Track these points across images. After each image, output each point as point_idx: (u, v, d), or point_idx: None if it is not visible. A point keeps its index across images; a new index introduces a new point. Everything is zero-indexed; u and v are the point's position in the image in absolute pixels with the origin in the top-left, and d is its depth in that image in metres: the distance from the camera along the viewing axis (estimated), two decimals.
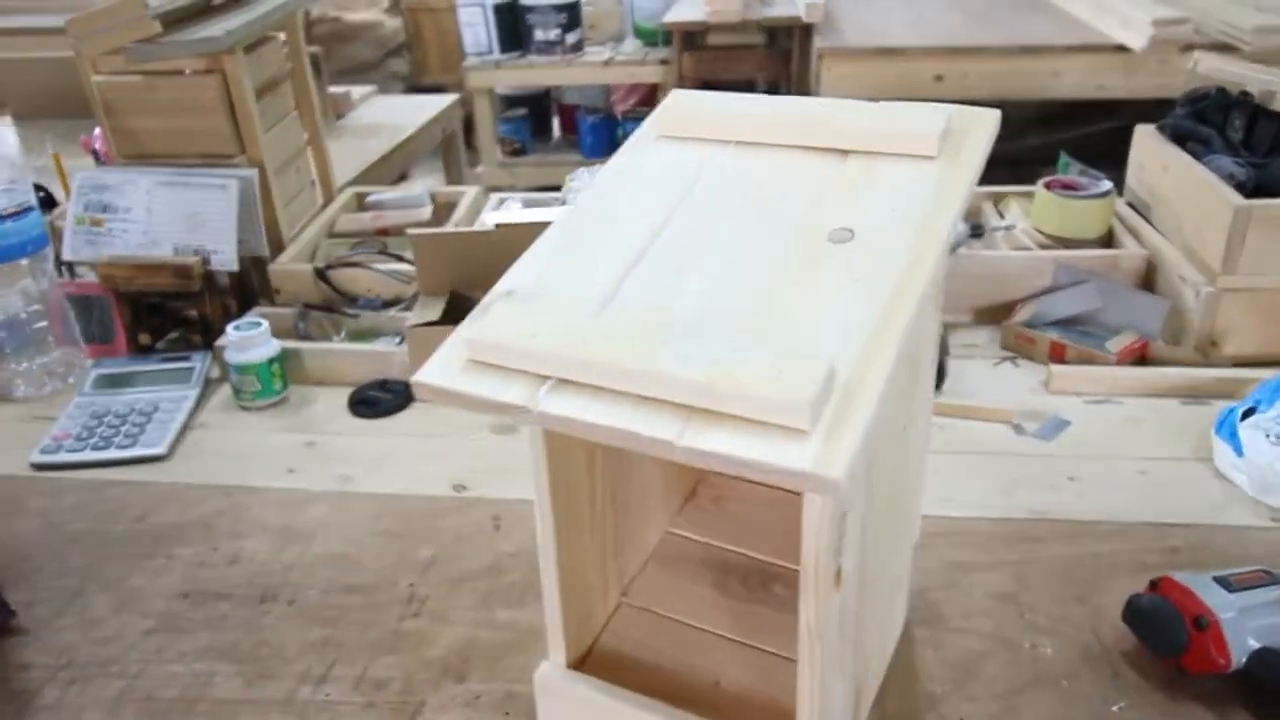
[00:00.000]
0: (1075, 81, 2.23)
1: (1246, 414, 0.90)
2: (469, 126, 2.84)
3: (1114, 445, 0.93)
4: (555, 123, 3.12)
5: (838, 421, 0.42)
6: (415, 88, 3.74)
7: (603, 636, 0.65)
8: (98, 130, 1.24)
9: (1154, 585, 0.70)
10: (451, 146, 2.32)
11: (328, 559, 0.83)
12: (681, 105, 0.63)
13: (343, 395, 1.06)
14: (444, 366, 0.49)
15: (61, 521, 0.89)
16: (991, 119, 0.58)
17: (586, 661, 0.63)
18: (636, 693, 0.59)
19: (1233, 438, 0.89)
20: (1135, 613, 0.69)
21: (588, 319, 0.48)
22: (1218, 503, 0.85)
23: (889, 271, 0.49)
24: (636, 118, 2.81)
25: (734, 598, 0.67)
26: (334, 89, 2.05)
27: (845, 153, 0.58)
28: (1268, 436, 0.87)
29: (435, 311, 1.04)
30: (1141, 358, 1.05)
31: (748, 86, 2.69)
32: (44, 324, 1.10)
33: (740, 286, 0.50)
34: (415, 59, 4.52)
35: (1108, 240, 1.19)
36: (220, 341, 1.07)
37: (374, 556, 0.83)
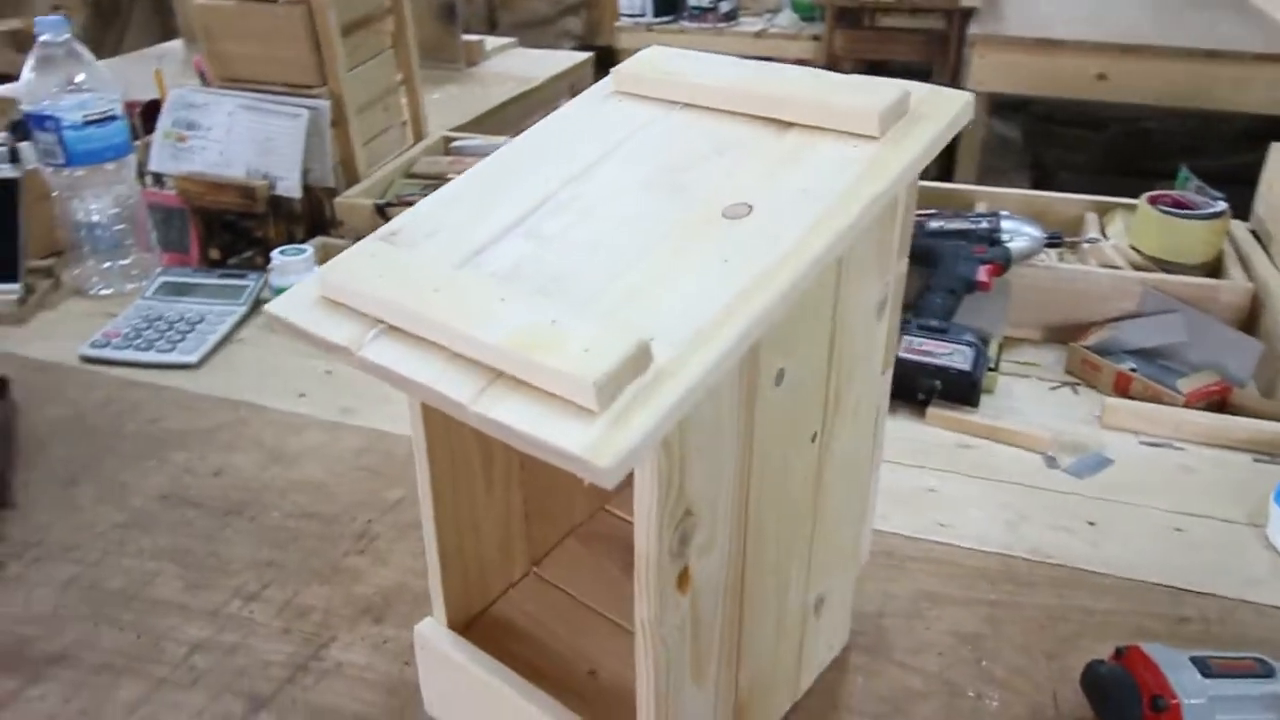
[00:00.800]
0: (1263, 95, 2.00)
1: None
2: None
3: (1154, 494, 0.83)
4: None
5: (635, 406, 0.38)
6: (585, 46, 3.78)
7: (499, 603, 0.63)
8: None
9: (1119, 653, 0.61)
10: None
11: (303, 484, 0.85)
12: (645, 61, 0.59)
13: None
14: (298, 299, 0.48)
15: (86, 413, 0.95)
16: (960, 101, 0.52)
17: (474, 625, 0.62)
18: (508, 667, 0.57)
19: None
20: (1091, 679, 0.61)
21: (443, 270, 0.46)
22: (1257, 576, 0.74)
23: (764, 255, 0.44)
24: None
25: None
26: (468, 37, 2.08)
27: (789, 125, 0.52)
28: None
29: None
30: (1220, 404, 0.93)
31: (901, 70, 2.56)
32: (124, 228, 1.16)
33: (612, 254, 0.46)
34: (590, 19, 4.55)
35: (1214, 269, 1.06)
36: (270, 265, 1.11)
37: (346, 489, 0.84)
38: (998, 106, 2.89)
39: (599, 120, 0.56)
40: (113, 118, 1.10)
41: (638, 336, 0.39)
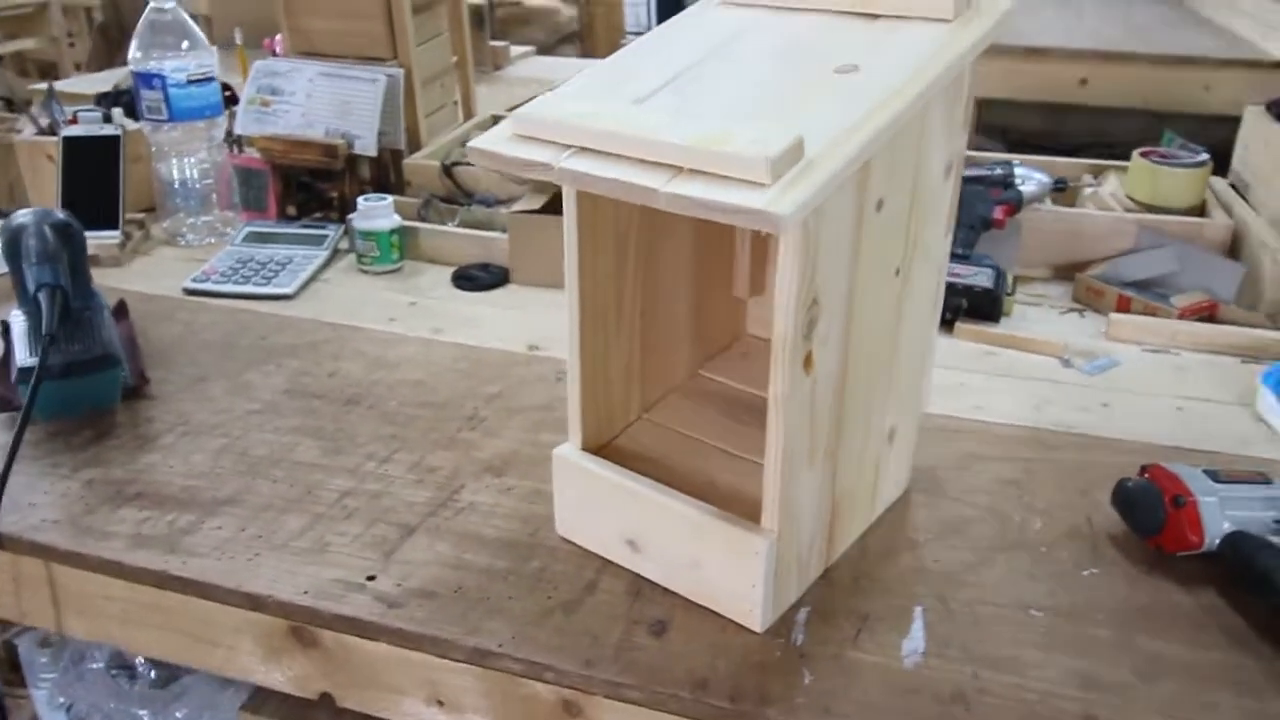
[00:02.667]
0: (1228, 97, 2.18)
1: None
2: None
3: (1158, 385, 0.95)
4: None
5: (796, 181, 0.50)
6: None
7: (620, 438, 0.74)
8: (279, 36, 1.42)
9: (1143, 470, 0.73)
10: None
11: (409, 383, 0.95)
12: None
13: (448, 272, 1.19)
14: (495, 137, 0.59)
15: (198, 331, 1.05)
16: (1008, 2, 0.65)
17: (602, 452, 0.72)
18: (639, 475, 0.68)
19: (1278, 386, 0.90)
20: (1121, 493, 0.73)
21: (618, 108, 0.58)
22: (1248, 438, 0.87)
23: (876, 93, 0.56)
24: None
25: (740, 424, 0.75)
26: (495, 42, 2.21)
27: (875, 16, 0.65)
28: None
29: (538, 203, 1.16)
30: (1209, 317, 1.06)
31: None
32: (210, 183, 1.27)
33: (751, 100, 0.58)
34: (585, 48, 4.73)
35: (1198, 213, 1.20)
36: (351, 214, 1.21)
37: (448, 386, 0.95)
38: (984, 127, 3.07)
39: (713, 22, 0.69)
40: (210, 79, 1.21)
41: (795, 133, 0.51)
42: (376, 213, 1.17)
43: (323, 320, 1.07)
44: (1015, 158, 1.27)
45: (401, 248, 1.20)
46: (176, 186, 1.26)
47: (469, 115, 1.55)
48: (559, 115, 0.57)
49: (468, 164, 1.32)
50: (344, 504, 0.77)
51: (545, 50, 4.43)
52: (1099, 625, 0.65)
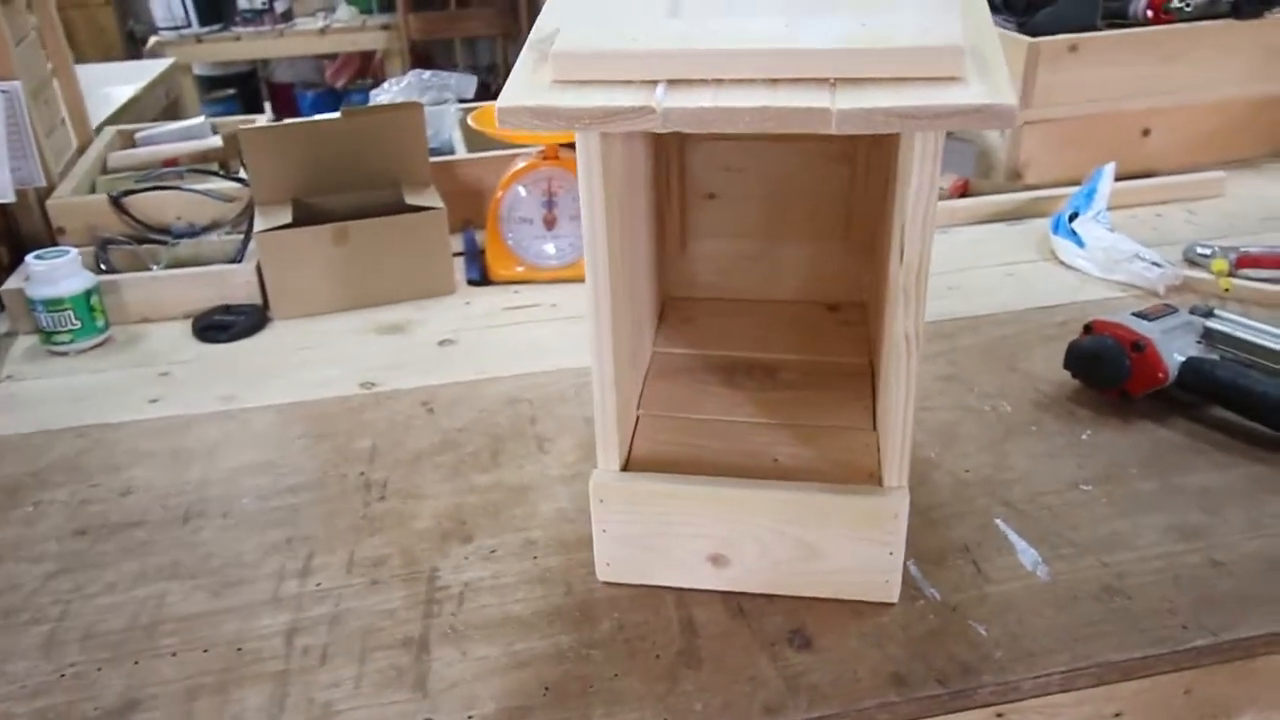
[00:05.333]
0: None
1: (1072, 218, 1.02)
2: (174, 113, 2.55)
3: (973, 259, 1.02)
4: (268, 106, 2.90)
5: (983, 72, 0.42)
6: None
7: (636, 445, 0.61)
8: None
9: (1087, 329, 0.77)
10: (177, 116, 2.08)
11: (249, 469, 0.72)
12: None
13: (180, 327, 0.92)
14: (524, 91, 0.44)
15: None
16: None
17: (629, 468, 0.59)
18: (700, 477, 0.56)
19: (1071, 235, 1.00)
20: (1079, 354, 0.76)
21: (665, 24, 0.45)
22: (1075, 286, 0.96)
23: None
24: (359, 90, 2.68)
25: (748, 390, 0.66)
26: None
27: None
28: (1102, 226, 0.98)
29: (283, 218, 0.93)
30: (964, 193, 1.16)
31: (477, 42, 2.65)
32: None
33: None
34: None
35: None
36: (11, 282, 0.89)
37: (305, 457, 0.73)
38: None
39: None
40: None
41: (952, 14, 0.43)
42: (60, 272, 0.87)
43: (53, 428, 0.78)
44: None
45: (104, 310, 0.90)
46: None
47: (84, 135, 1.21)
48: (620, 44, 0.43)
49: (152, 188, 1.03)
50: (302, 646, 0.56)
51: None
52: (1140, 480, 0.67)
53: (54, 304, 0.87)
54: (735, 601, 0.58)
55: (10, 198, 0.95)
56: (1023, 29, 1.18)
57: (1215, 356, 0.75)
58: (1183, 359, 0.73)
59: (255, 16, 2.50)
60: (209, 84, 2.77)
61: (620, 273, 0.53)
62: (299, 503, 0.68)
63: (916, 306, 0.50)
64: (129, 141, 1.21)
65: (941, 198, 1.09)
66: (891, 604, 0.57)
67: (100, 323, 0.90)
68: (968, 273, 0.99)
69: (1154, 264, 0.94)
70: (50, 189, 1.04)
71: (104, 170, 1.13)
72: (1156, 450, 0.70)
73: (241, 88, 2.76)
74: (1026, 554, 0.61)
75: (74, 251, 0.88)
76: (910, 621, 0.56)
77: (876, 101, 0.41)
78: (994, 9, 1.20)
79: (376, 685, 0.53)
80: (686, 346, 0.71)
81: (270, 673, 0.54)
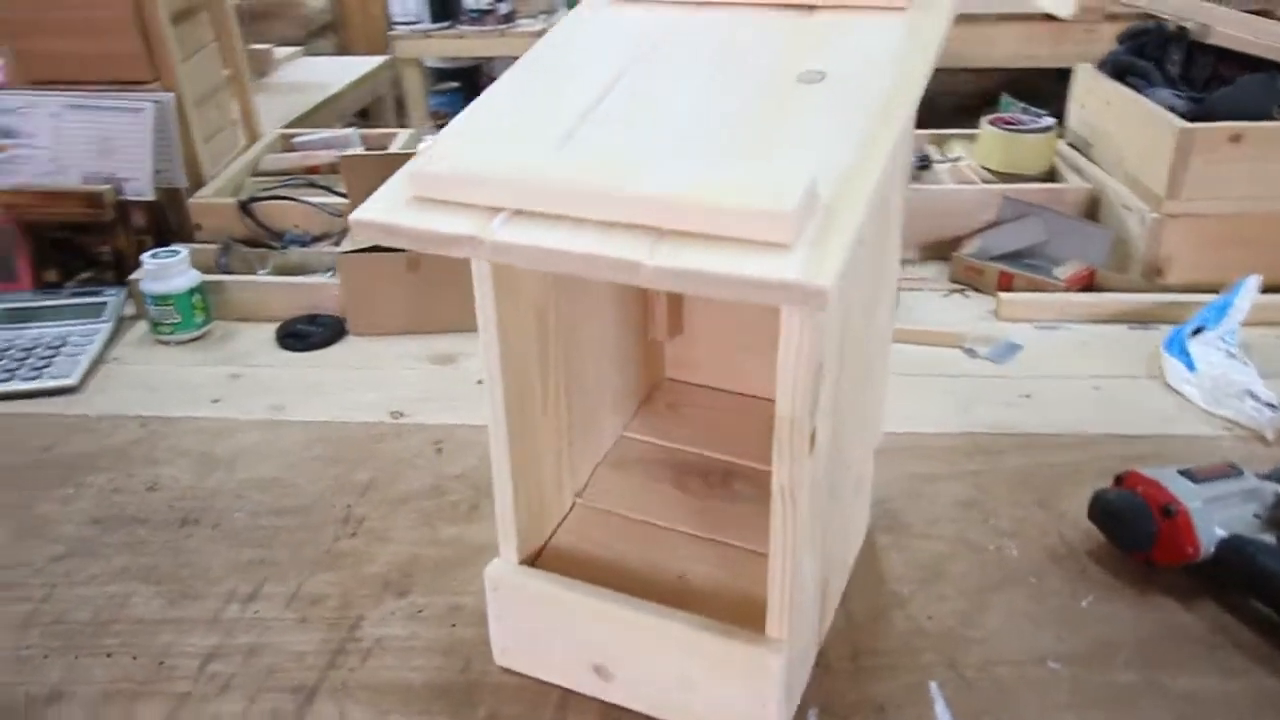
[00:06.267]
0: (1009, 50, 2.26)
1: (1195, 333, 0.90)
2: (400, 101, 2.76)
3: (1066, 365, 0.92)
4: None
5: (821, 239, 0.39)
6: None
7: (558, 535, 0.61)
8: None
9: (1119, 480, 0.68)
10: (380, 111, 2.25)
11: (257, 483, 0.78)
12: None
13: (270, 330, 1.00)
14: (387, 203, 0.45)
15: None
16: None
17: (539, 560, 0.59)
18: (598, 587, 0.55)
19: (1183, 354, 0.88)
20: (1102, 507, 0.68)
21: (544, 153, 0.45)
22: (1170, 415, 0.85)
23: (866, 103, 0.46)
24: None
25: (694, 495, 0.64)
26: (255, 45, 1.96)
27: (811, 8, 0.55)
28: (1220, 350, 0.87)
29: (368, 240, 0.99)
30: (1088, 285, 1.05)
31: None
32: None
33: (708, 124, 0.47)
34: (341, 40, 4.41)
35: (1050, 176, 1.19)
36: (135, 274, 1.00)
37: (308, 480, 0.78)
38: None
39: (615, 25, 0.56)
40: None
41: (807, 174, 0.40)
42: (170, 271, 0.97)
43: (124, 414, 0.87)
44: None
45: (206, 308, 1.00)
46: None
47: (252, 135, 1.33)
48: (477, 168, 0.43)
49: (273, 198, 1.13)
50: (212, 672, 0.60)
51: (299, 44, 4.10)
52: (1122, 669, 0.59)
53: (160, 299, 0.97)
54: (616, 716, 0.56)
55: (150, 195, 1.06)
56: (1195, 105, 1.05)
57: (1272, 538, 0.64)
58: (1224, 535, 0.64)
59: (480, 16, 2.64)
60: (438, 75, 2.96)
61: (518, 379, 0.53)
62: (281, 526, 0.73)
63: (792, 463, 0.46)
64: (288, 145, 1.33)
65: (1056, 289, 1.00)
66: None
67: (199, 319, 0.99)
68: (1050, 381, 0.90)
69: (1269, 405, 0.81)
70: (199, 187, 1.16)
71: (254, 172, 1.25)
72: (1160, 636, 0.61)
73: (465, 80, 2.93)
74: None
75: (184, 252, 0.98)
76: None
77: (689, 262, 0.38)
78: (1169, 81, 1.09)
79: None
80: (654, 436, 0.69)
81: (174, 693, 0.59)
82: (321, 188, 1.15)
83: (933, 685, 0.58)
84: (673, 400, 0.73)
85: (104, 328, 0.99)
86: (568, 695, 0.58)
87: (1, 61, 1.10)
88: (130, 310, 1.03)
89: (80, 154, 1.05)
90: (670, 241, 0.40)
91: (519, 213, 0.42)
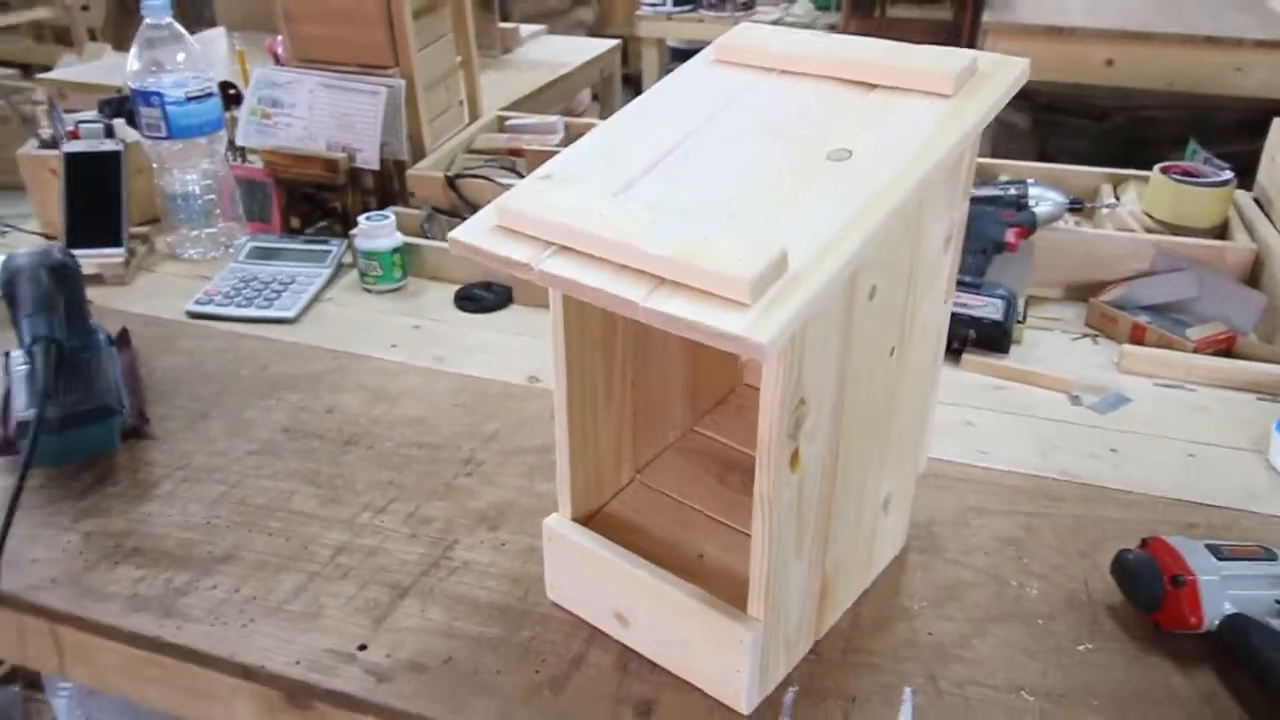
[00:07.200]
0: (1263, 79, 2.11)
1: None
2: (635, 78, 2.92)
3: (1170, 427, 0.93)
4: None
5: (778, 300, 0.48)
6: (596, 36, 3.88)
7: (611, 504, 0.73)
8: (279, 36, 1.39)
9: (1144, 543, 0.72)
10: (609, 90, 2.42)
11: (408, 419, 0.95)
12: (742, 35, 0.69)
13: (451, 290, 1.18)
14: (477, 228, 0.58)
15: (200, 361, 1.04)
16: (1018, 67, 0.62)
17: (592, 521, 0.72)
18: (628, 550, 0.67)
19: None
20: (1120, 565, 0.72)
21: (598, 202, 0.56)
22: (1258, 491, 0.85)
23: (868, 188, 0.54)
24: None
25: (731, 489, 0.74)
26: (504, 24, 2.17)
27: (872, 86, 0.62)
28: None
29: None
30: (1226, 350, 1.03)
31: None
32: (213, 198, 1.26)
33: (737, 190, 0.56)
34: (601, 10, 4.64)
35: (1220, 233, 1.16)
36: (354, 230, 1.20)
37: (447, 423, 0.94)
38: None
39: (707, 84, 0.66)
40: (209, 95, 1.19)
41: (779, 246, 0.49)
42: (378, 232, 1.16)
43: (324, 347, 1.07)
44: (1031, 173, 1.24)
45: (404, 266, 1.19)
46: (179, 200, 1.25)
47: (474, 114, 1.52)
48: (539, 210, 0.55)
49: (472, 176, 1.30)
50: (339, 562, 0.77)
51: (561, 13, 4.36)
52: (1093, 712, 0.64)
53: (369, 254, 1.17)
54: (628, 658, 0.68)
55: (376, 165, 1.26)
56: None
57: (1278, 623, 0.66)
58: (1232, 610, 0.66)
59: (720, 2, 2.75)
60: (679, 55, 3.11)
61: (583, 377, 0.65)
62: (416, 457, 0.89)
63: (772, 476, 0.56)
64: (503, 127, 1.50)
65: (1184, 349, 1.00)
66: (741, 713, 0.64)
67: (398, 275, 1.18)
68: (1145, 439, 0.91)
69: None
70: (420, 156, 1.35)
71: (469, 149, 1.43)
72: (1142, 692, 0.66)
73: None
74: None
75: (392, 217, 1.17)
76: None
77: (672, 308, 0.49)
78: None
79: (357, 608, 0.73)
80: (716, 433, 0.79)
81: (307, 571, 0.76)
82: (516, 172, 1.31)
83: (907, 690, 0.66)
84: (741, 404, 0.83)
85: (325, 272, 1.20)
86: (595, 633, 0.70)
87: (270, 40, 1.33)
88: (347, 260, 1.24)
89: (326, 125, 1.26)
90: (664, 290, 0.50)
91: (565, 248, 0.54)
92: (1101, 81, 2.18)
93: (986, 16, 2.22)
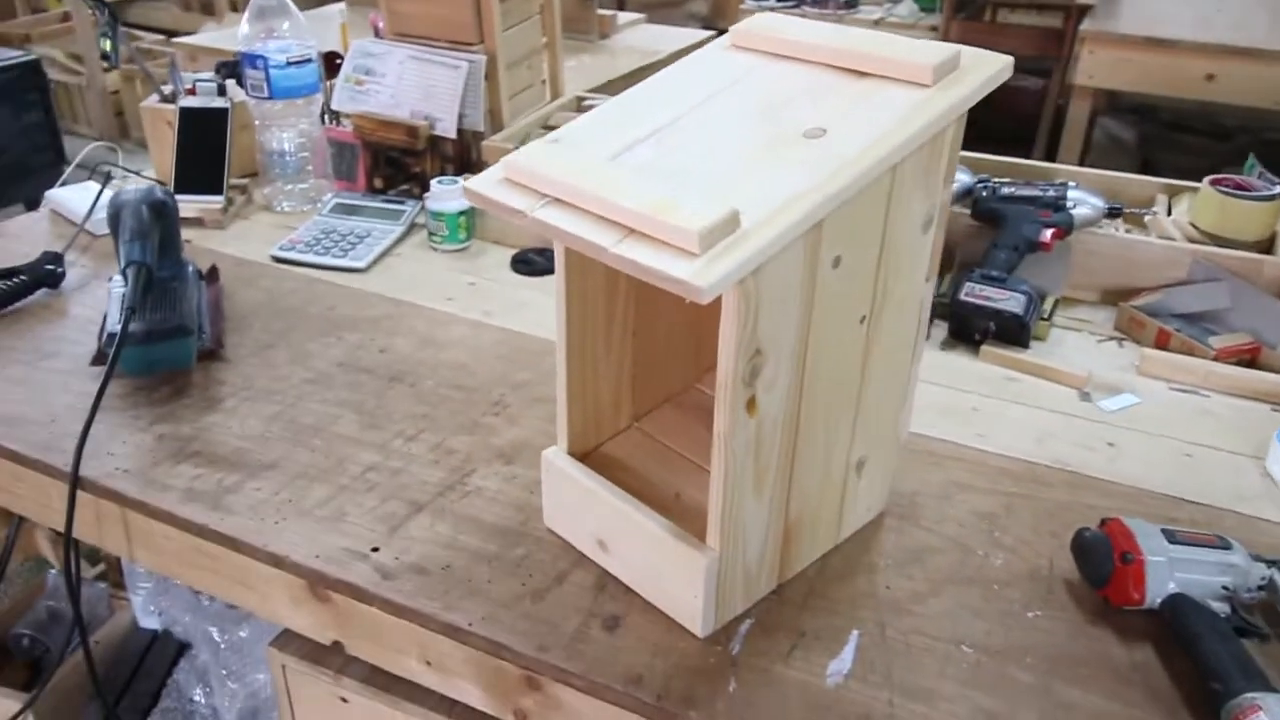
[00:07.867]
0: None
1: None
2: None
3: (1173, 428, 0.95)
4: None
5: (726, 252, 0.55)
6: (710, 28, 3.94)
7: (607, 444, 0.81)
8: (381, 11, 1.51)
9: (1103, 523, 0.75)
10: None
11: (450, 364, 1.04)
12: (757, 22, 0.75)
13: (509, 253, 1.27)
14: (488, 180, 0.66)
15: (278, 298, 1.16)
16: (1000, 63, 0.66)
17: (588, 458, 0.79)
18: (614, 484, 0.74)
19: None
20: (1076, 542, 0.75)
21: (593, 163, 0.63)
22: (1247, 494, 0.87)
23: (833, 160, 0.60)
24: None
25: None
26: (602, 11, 2.26)
27: (863, 74, 0.68)
28: None
29: None
30: (1251, 361, 1.04)
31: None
32: (306, 156, 1.38)
33: (716, 160, 0.63)
34: (715, 2, 4.70)
35: (1266, 247, 1.16)
36: (426, 193, 1.30)
37: (484, 369, 1.03)
38: (1113, 107, 2.94)
39: (717, 66, 0.73)
40: (308, 61, 1.31)
41: (730, 206, 0.55)
42: (447, 195, 1.26)
43: (386, 295, 1.17)
44: (1080, 178, 1.25)
45: (469, 229, 1.28)
46: (276, 156, 1.37)
47: (556, 94, 1.61)
48: (540, 167, 0.63)
49: None
50: (367, 478, 0.87)
51: (675, 4, 4.43)
52: (1024, 669, 0.69)
53: (437, 215, 1.26)
54: (606, 580, 0.76)
55: (453, 134, 1.36)
56: None
57: (1224, 609, 0.69)
58: (1176, 590, 0.70)
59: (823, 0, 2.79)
60: None
61: (582, 322, 0.73)
62: (451, 396, 0.98)
63: (729, 416, 0.62)
64: (580, 107, 1.59)
65: (1204, 356, 1.02)
66: (697, 637, 0.70)
67: (462, 236, 1.28)
68: (1144, 437, 0.94)
69: None
70: (498, 129, 1.45)
71: (544, 126, 1.52)
72: (1078, 656, 0.70)
73: None
74: (839, 663, 0.69)
75: (461, 183, 1.27)
76: (694, 654, 0.69)
77: (635, 255, 0.56)
78: None
79: (376, 518, 0.82)
80: (713, 389, 0.86)
81: (338, 484, 0.86)
82: None
83: (855, 633, 0.71)
84: None
85: (397, 230, 1.30)
86: (581, 558, 0.78)
87: (374, 15, 1.44)
88: (420, 220, 1.34)
89: (411, 95, 1.37)
90: (631, 239, 0.57)
91: (557, 200, 0.62)
92: (1201, 96, 2.14)
93: (1085, 25, 2.20)
